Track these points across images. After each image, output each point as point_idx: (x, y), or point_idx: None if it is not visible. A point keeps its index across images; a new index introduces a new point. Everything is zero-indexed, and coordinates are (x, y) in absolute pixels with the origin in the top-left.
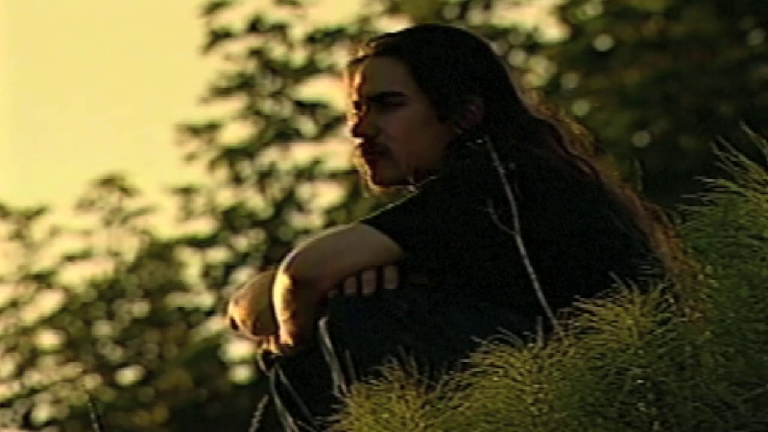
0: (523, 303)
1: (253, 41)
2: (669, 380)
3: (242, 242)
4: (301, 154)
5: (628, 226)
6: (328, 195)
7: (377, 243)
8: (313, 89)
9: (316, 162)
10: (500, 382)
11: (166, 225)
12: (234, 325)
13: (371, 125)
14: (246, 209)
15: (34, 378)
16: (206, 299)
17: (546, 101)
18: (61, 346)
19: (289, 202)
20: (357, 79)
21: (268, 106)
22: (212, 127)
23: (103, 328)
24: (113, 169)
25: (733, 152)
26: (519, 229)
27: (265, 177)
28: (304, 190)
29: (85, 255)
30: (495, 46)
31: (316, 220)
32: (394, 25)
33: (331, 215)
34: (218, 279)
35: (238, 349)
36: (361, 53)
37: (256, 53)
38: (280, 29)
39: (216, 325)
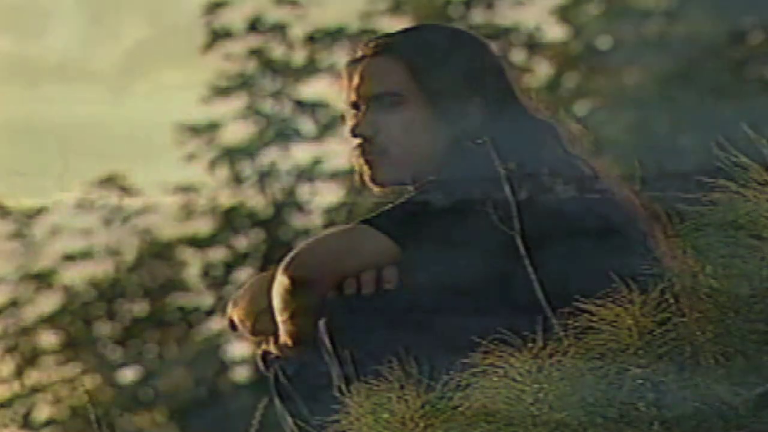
0: (523, 303)
1: (253, 41)
2: (669, 380)
3: (242, 242)
4: (301, 154)
5: (628, 226)
6: (328, 195)
7: (376, 243)
8: (313, 89)
9: (316, 162)
10: (500, 382)
11: (166, 225)
12: (233, 325)
13: (370, 125)
14: (246, 209)
15: (34, 378)
16: (206, 299)
17: (546, 101)
18: (61, 346)
19: (289, 202)
20: (356, 80)
21: (268, 106)
22: (212, 127)
23: (103, 328)
24: (113, 169)
25: (733, 152)
26: (519, 229)
27: (265, 177)
28: (304, 190)
29: (85, 255)
30: (494, 46)
31: (316, 220)
32: (396, 23)
33: (331, 215)
34: (218, 279)
35: (238, 349)
36: (359, 53)
37: (256, 53)
38: (280, 29)
39: (216, 325)
